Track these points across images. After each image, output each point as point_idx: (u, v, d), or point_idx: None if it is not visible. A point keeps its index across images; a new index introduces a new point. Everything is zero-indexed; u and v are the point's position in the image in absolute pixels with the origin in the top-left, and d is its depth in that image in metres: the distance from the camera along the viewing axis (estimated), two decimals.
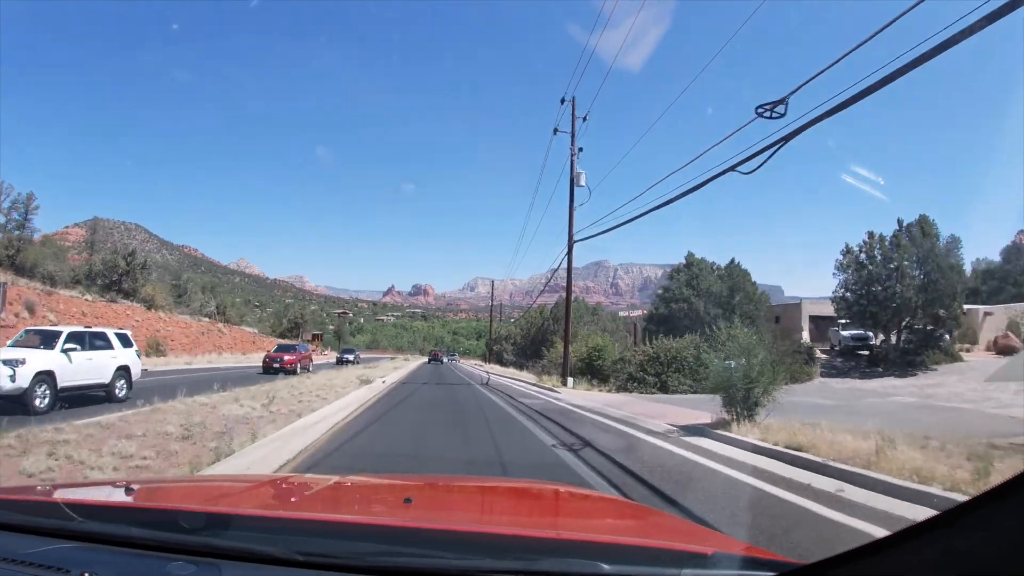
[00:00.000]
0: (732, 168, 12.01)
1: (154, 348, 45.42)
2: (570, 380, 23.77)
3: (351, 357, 51.48)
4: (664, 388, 21.15)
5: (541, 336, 51.04)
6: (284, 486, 2.77)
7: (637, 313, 34.83)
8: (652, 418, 12.78)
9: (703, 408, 14.68)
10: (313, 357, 34.41)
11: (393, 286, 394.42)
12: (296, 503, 2.32)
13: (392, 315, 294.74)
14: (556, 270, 29.74)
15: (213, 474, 6.07)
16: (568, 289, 25.65)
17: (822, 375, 30.53)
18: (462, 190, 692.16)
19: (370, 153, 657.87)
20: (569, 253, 25.31)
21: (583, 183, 25.84)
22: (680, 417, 12.84)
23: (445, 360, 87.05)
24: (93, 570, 1.45)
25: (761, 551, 1.65)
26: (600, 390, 22.16)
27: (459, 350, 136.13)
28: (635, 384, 21.48)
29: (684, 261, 38.55)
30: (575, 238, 25.39)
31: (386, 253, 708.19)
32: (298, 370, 28.37)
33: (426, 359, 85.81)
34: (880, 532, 4.54)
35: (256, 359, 52.86)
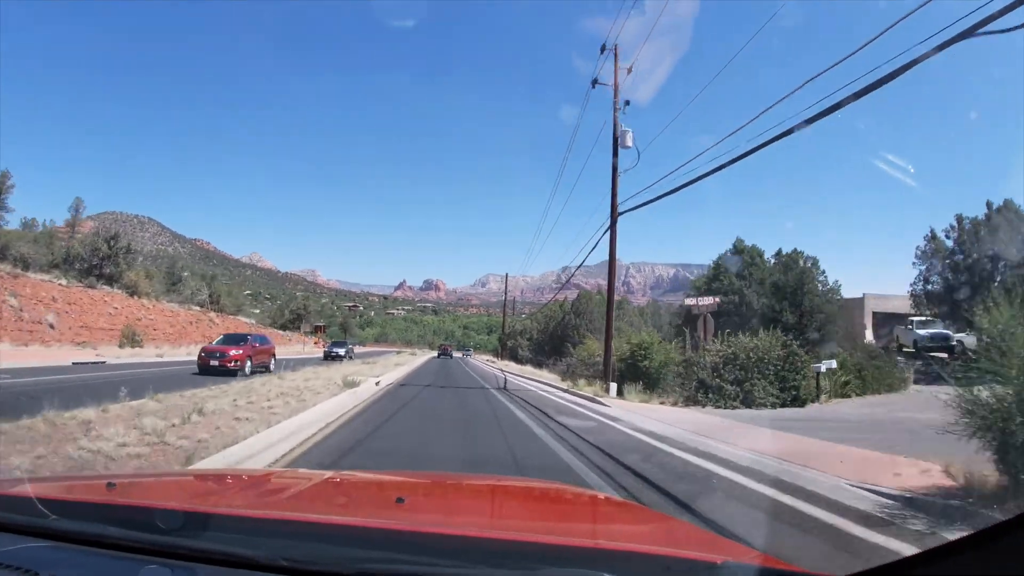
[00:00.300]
0: (978, 27, 6.60)
1: (129, 338, 40.59)
2: (613, 386, 18.25)
3: (341, 352, 43.02)
4: (748, 401, 15.54)
5: (561, 331, 45.44)
6: (272, 483, 2.64)
7: (708, 301, 27.83)
8: (808, 467, 7.18)
9: (858, 442, 9.33)
10: (276, 352, 26.83)
11: (405, 281, 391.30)
12: (282, 502, 2.15)
13: (403, 309, 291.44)
14: (577, 267, 24.66)
15: (201, 468, 5.49)
16: (611, 271, 20.00)
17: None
18: (475, 186, 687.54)
19: (384, 149, 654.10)
20: (612, 227, 19.73)
21: (629, 143, 20.23)
22: (853, 465, 7.24)
23: (457, 355, 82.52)
24: (60, 572, 1.41)
25: (778, 561, 1.60)
26: (661, 402, 16.49)
27: (470, 345, 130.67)
28: (709, 395, 15.84)
29: (732, 248, 32.87)
30: (619, 209, 19.87)
31: (398, 248, 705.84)
32: (247, 369, 21.43)
33: (435, 354, 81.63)
34: None
35: None
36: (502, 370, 39.40)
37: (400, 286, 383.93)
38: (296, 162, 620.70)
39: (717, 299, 19.68)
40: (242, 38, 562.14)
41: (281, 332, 73.35)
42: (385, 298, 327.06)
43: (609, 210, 19.80)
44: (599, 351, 25.00)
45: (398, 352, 65.58)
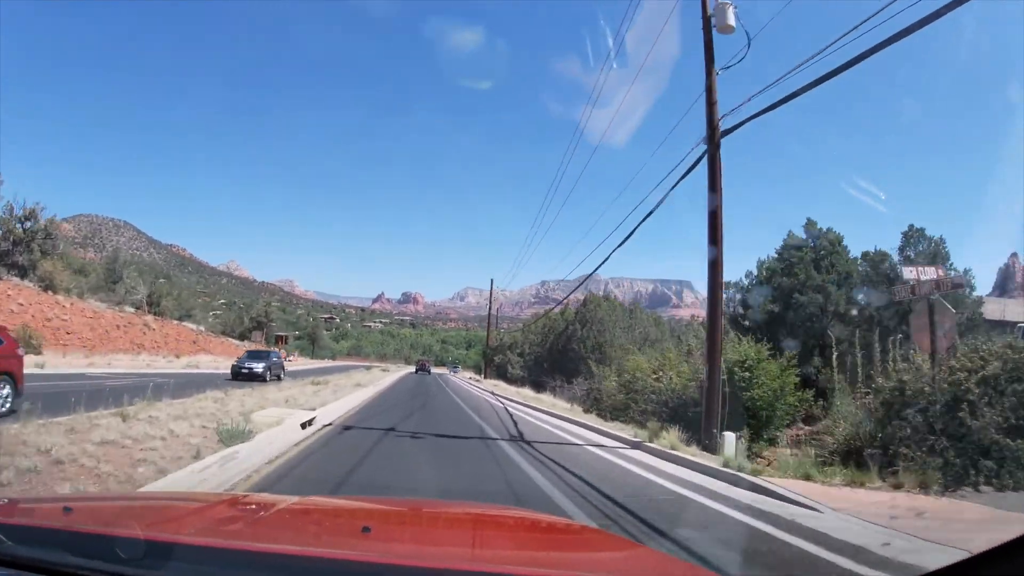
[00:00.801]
0: None
1: (24, 342, 31.25)
2: (728, 439, 9.75)
3: (259, 368, 27.56)
4: None
5: (562, 345, 36.70)
6: (235, 509, 2.43)
7: (933, 274, 8.89)
8: None
9: None
10: (24, 366, 10.58)
11: (383, 293, 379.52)
12: (244, 530, 2.03)
13: (380, 322, 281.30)
14: (586, 277, 16.72)
15: (162, 492, 5.01)
16: (715, 230, 11.31)
17: None
18: (456, 199, 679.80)
19: (365, 161, 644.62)
20: (712, 153, 11.33)
21: (731, 21, 11.83)
22: None
23: (438, 371, 73.96)
24: None
25: None
26: (898, 485, 7.31)
27: (449, 360, 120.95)
28: (976, 460, 7.18)
29: (803, 235, 24.56)
30: (721, 126, 11.51)
31: (377, 261, 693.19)
32: None
33: (410, 369, 72.89)
34: None
35: (180, 365, 38.37)
36: (493, 393, 30.39)
37: (378, 298, 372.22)
38: (277, 171, 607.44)
39: (941, 268, 11.12)
40: (229, 43, 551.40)
41: (237, 342, 63.51)
42: (363, 310, 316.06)
43: (706, 130, 11.35)
44: (650, 372, 16.37)
45: (368, 368, 55.64)
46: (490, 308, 60.20)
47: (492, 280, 60.12)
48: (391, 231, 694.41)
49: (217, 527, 2.05)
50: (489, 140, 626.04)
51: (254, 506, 2.48)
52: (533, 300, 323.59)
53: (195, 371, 31.49)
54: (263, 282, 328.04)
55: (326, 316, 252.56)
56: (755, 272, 29.96)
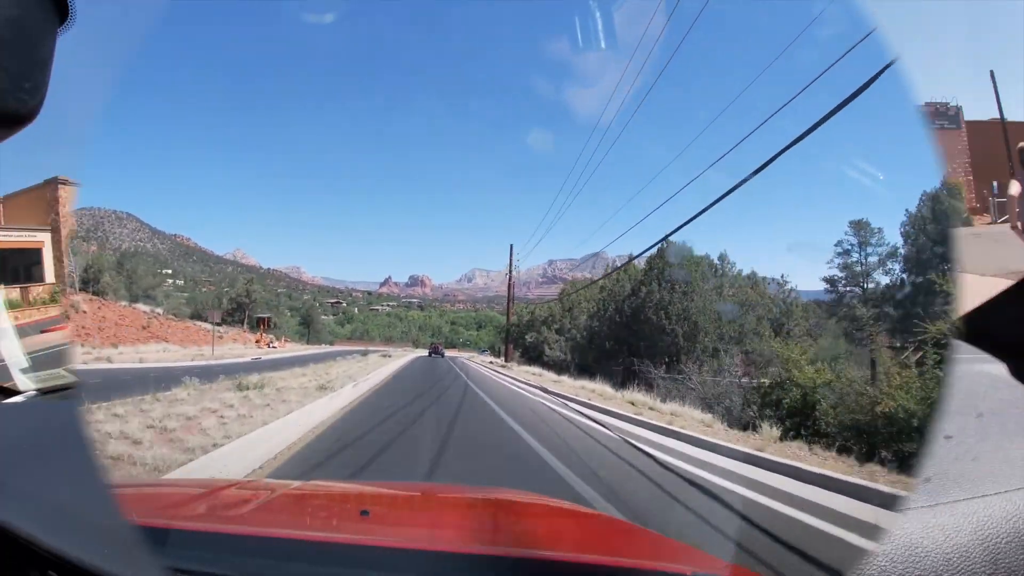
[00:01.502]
0: None
1: None
2: None
3: None
4: None
5: (628, 315, 25.36)
6: (235, 494, 2.34)
7: None
8: None
9: None
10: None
11: (390, 277, 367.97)
12: (243, 515, 1.94)
13: (388, 305, 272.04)
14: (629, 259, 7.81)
15: (164, 479, 4.90)
16: None
17: None
18: (462, 180, 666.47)
19: (370, 145, 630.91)
20: None
21: None
22: None
23: (453, 354, 64.14)
24: None
25: (747, 571, 1.58)
26: None
27: (459, 341, 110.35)
28: None
29: None
30: None
31: (384, 245, 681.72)
32: None
33: (420, 354, 64.50)
34: None
35: (87, 360, 27.40)
36: (546, 390, 19.14)
37: (385, 282, 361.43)
38: (281, 159, 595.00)
39: None
40: (228, 21, 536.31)
41: (208, 327, 52.20)
42: (370, 294, 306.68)
43: None
44: None
45: (364, 353, 44.14)
46: (510, 279, 49.03)
47: (512, 246, 48.96)
48: (397, 215, 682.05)
49: (214, 512, 2.02)
50: (493, 125, 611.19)
51: (253, 491, 2.42)
52: (541, 280, 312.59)
53: (102, 367, 20.94)
54: (270, 269, 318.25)
55: (333, 301, 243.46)
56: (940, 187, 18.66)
